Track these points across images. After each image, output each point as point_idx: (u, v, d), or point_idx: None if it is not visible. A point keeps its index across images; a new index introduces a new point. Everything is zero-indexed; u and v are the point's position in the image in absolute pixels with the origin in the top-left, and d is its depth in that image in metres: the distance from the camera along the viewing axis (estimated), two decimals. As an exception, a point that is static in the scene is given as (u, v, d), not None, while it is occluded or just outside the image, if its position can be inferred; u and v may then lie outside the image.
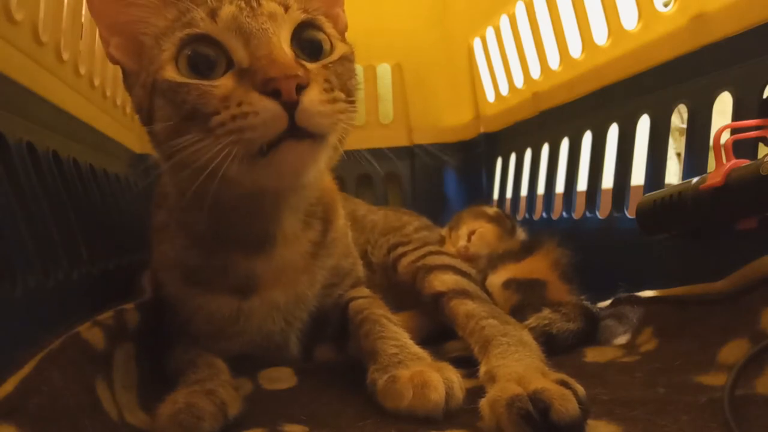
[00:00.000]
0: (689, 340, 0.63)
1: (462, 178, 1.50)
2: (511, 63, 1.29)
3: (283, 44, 0.54)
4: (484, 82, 1.43)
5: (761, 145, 0.69)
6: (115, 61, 0.59)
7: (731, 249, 0.69)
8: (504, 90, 1.34)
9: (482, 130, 1.45)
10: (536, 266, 0.87)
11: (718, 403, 0.48)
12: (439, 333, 0.87)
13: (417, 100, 1.49)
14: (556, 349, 0.72)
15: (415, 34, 1.48)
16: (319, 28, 0.58)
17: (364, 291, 0.78)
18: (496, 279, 0.86)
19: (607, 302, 0.80)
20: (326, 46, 0.58)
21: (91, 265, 0.76)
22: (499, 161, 1.39)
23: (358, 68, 1.41)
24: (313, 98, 0.50)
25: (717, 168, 0.67)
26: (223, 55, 0.53)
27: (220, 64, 0.53)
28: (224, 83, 0.52)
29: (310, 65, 0.54)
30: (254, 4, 0.55)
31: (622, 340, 0.73)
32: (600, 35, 0.99)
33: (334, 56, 0.58)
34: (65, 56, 0.79)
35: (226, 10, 0.54)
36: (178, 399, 0.52)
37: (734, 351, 0.57)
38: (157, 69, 0.54)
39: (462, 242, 1.06)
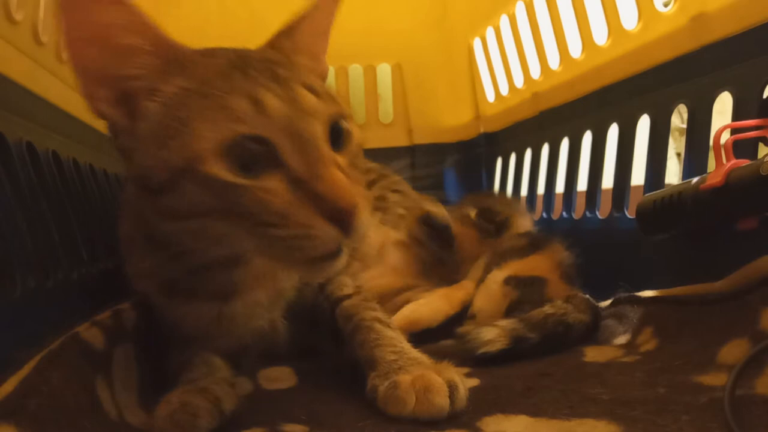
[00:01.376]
0: (689, 340, 0.63)
1: (462, 178, 1.50)
2: (511, 63, 1.29)
3: (328, 150, 0.51)
4: (484, 82, 1.43)
5: (761, 145, 0.68)
6: (104, 117, 0.52)
7: (731, 249, 0.69)
8: (504, 90, 1.34)
9: (482, 130, 1.45)
10: (539, 264, 0.87)
11: (719, 403, 0.48)
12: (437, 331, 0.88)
13: (417, 100, 1.49)
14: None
15: (415, 34, 1.48)
16: (343, 116, 0.55)
17: (347, 283, 0.75)
18: (499, 275, 0.87)
19: (607, 302, 0.80)
20: (345, 131, 0.55)
21: (91, 265, 0.76)
22: (499, 161, 1.39)
23: (358, 68, 1.41)
24: (365, 220, 0.49)
25: (717, 168, 0.67)
26: (269, 151, 0.49)
27: (265, 161, 0.49)
28: (277, 189, 0.48)
29: (340, 158, 0.52)
30: (293, 95, 0.50)
31: (622, 340, 0.73)
32: (600, 35, 0.99)
33: (355, 142, 0.55)
34: (65, 56, 0.79)
35: (274, 105, 0.49)
36: (172, 399, 0.52)
37: (734, 351, 0.57)
38: (195, 158, 0.47)
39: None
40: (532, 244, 0.92)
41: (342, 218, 0.48)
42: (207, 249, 0.53)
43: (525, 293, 0.82)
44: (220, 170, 0.47)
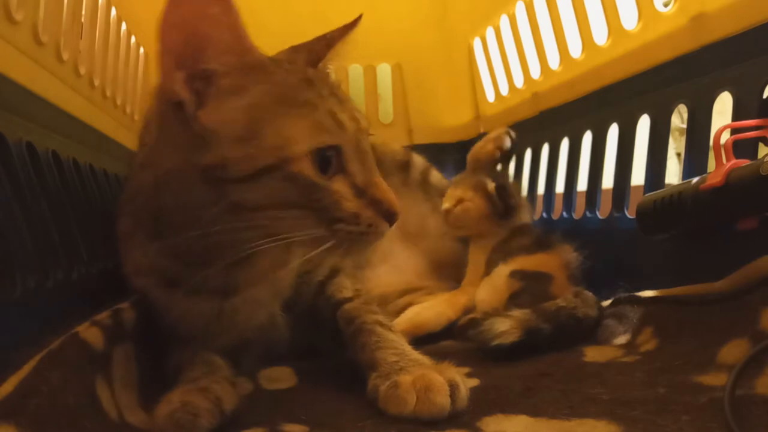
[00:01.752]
0: (689, 340, 0.63)
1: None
2: (511, 63, 1.29)
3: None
4: (484, 82, 1.43)
5: (761, 145, 0.68)
6: (176, 97, 0.54)
7: (731, 249, 0.69)
8: (504, 90, 1.34)
9: (482, 130, 1.45)
10: (546, 262, 0.87)
11: (718, 403, 0.48)
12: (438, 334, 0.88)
13: (417, 100, 1.49)
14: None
15: (415, 34, 1.48)
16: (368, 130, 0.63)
17: (347, 286, 0.75)
18: (505, 269, 0.88)
19: (607, 302, 0.80)
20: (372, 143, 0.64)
21: (91, 265, 0.76)
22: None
23: (358, 68, 1.42)
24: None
25: (717, 168, 0.67)
26: (338, 158, 0.57)
27: (335, 166, 0.57)
28: (344, 191, 0.56)
29: None
30: (354, 114, 0.59)
31: (622, 340, 0.73)
32: (600, 35, 0.99)
33: (378, 150, 0.67)
34: (65, 56, 0.79)
35: (346, 122, 0.57)
36: (172, 399, 0.52)
37: (734, 351, 0.57)
38: (287, 158, 0.53)
39: (447, 204, 1.01)
40: (540, 243, 0.92)
41: (391, 217, 0.58)
42: (251, 240, 0.55)
43: (528, 285, 0.82)
44: (309, 170, 0.54)
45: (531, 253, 0.89)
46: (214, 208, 0.54)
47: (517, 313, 0.73)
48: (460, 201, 1.00)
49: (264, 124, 0.54)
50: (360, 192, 0.57)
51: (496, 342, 0.70)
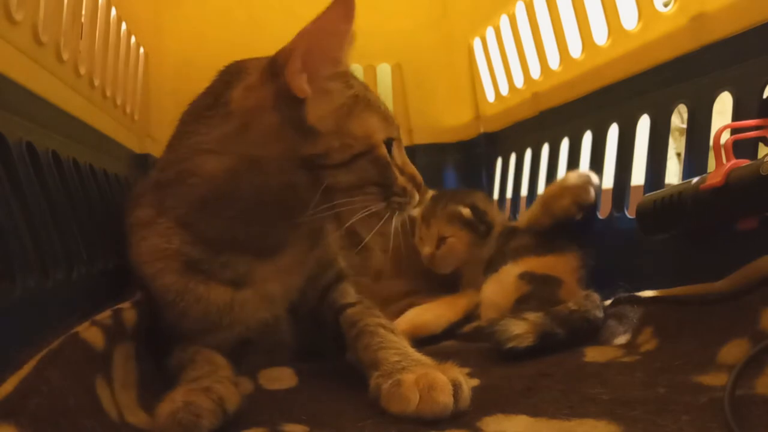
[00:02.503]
0: (689, 340, 0.63)
1: (462, 178, 1.50)
2: (511, 63, 1.29)
3: None
4: (484, 82, 1.43)
5: (761, 145, 0.69)
6: (304, 93, 0.62)
7: (731, 249, 0.69)
8: (504, 90, 1.34)
9: (482, 130, 1.45)
10: (557, 265, 0.86)
11: (719, 403, 0.48)
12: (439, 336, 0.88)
13: (417, 100, 1.49)
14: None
15: (415, 34, 1.48)
16: None
17: (351, 292, 0.78)
18: (514, 269, 0.86)
19: (607, 302, 0.80)
20: None
21: (91, 265, 0.76)
22: (499, 161, 1.39)
23: (358, 68, 1.43)
24: None
25: (717, 168, 0.67)
26: (389, 146, 0.69)
27: (391, 150, 0.69)
28: (397, 171, 0.69)
29: None
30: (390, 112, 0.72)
31: (622, 340, 0.73)
32: (600, 35, 0.99)
33: None
34: (65, 56, 0.79)
35: (395, 125, 0.71)
36: (175, 398, 0.52)
37: (734, 351, 0.57)
38: (374, 144, 0.66)
39: (428, 249, 0.98)
40: (549, 244, 0.90)
41: (420, 187, 0.72)
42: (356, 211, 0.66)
43: (537, 289, 0.81)
44: (385, 154, 0.67)
45: (541, 254, 0.88)
46: (311, 191, 0.63)
47: (532, 316, 0.73)
48: (441, 239, 0.98)
49: (351, 119, 0.65)
50: (401, 170, 0.69)
51: (511, 345, 0.70)
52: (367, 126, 0.66)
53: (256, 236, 0.68)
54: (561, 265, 0.86)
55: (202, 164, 0.65)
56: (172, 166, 0.68)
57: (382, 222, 0.67)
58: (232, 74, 0.68)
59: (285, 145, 0.62)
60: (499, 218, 1.04)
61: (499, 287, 0.86)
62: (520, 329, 0.71)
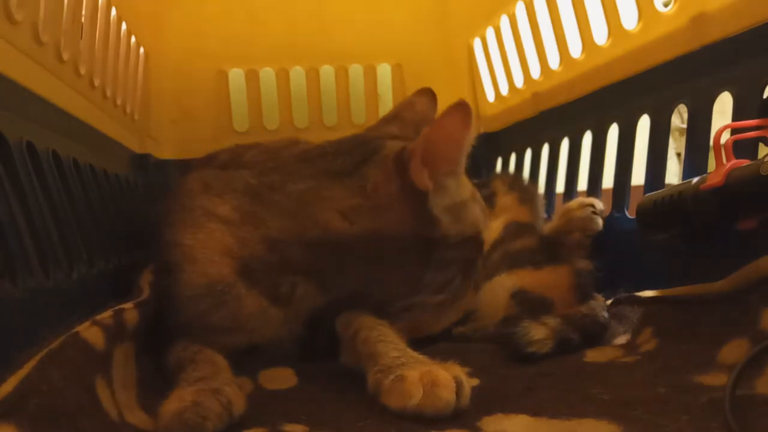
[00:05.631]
0: (689, 340, 0.63)
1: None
2: (511, 63, 1.29)
3: None
4: (484, 82, 1.43)
5: (761, 145, 0.68)
6: (426, 188, 0.69)
7: (731, 249, 0.69)
8: (504, 90, 1.34)
9: (482, 130, 1.45)
10: (555, 281, 0.83)
11: (719, 403, 0.48)
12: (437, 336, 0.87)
13: (417, 100, 1.49)
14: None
15: (415, 34, 1.48)
16: None
17: None
18: (508, 282, 0.84)
19: (608, 302, 0.80)
20: None
21: (91, 265, 0.76)
22: (499, 161, 1.39)
23: (358, 68, 1.43)
24: None
25: (717, 168, 0.67)
26: None
27: None
28: None
29: None
30: None
31: (622, 340, 0.73)
32: (600, 35, 0.99)
33: None
34: (65, 56, 0.79)
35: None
36: (184, 396, 0.52)
37: (734, 351, 0.56)
38: (478, 231, 0.76)
39: (495, 236, 0.93)
40: (547, 250, 0.88)
41: None
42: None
43: (524, 311, 0.78)
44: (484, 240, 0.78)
45: (539, 266, 0.85)
46: (423, 259, 0.71)
47: (552, 322, 0.72)
48: (510, 223, 0.97)
49: (464, 209, 0.73)
50: None
51: (531, 349, 0.69)
52: (473, 215, 0.75)
53: (333, 277, 0.72)
54: (560, 279, 0.83)
55: (330, 220, 0.70)
56: (288, 196, 0.72)
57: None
58: (370, 150, 0.74)
59: (409, 228, 0.70)
60: (516, 210, 0.99)
61: (492, 300, 0.84)
62: (541, 334, 0.70)
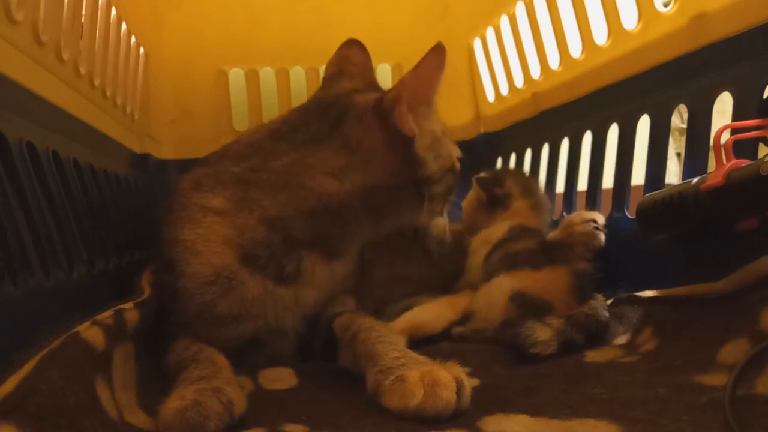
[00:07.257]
0: (689, 340, 0.63)
1: (462, 177, 1.50)
2: (511, 63, 1.29)
3: None
4: (484, 82, 1.43)
5: (761, 145, 0.69)
6: (412, 133, 0.73)
7: (731, 249, 0.69)
8: (504, 90, 1.34)
9: (482, 130, 1.45)
10: (553, 282, 0.81)
11: (719, 403, 0.48)
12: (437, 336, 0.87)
13: (417, 100, 1.49)
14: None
15: (415, 34, 1.48)
16: None
17: (349, 303, 0.79)
18: (507, 285, 0.82)
19: (608, 302, 0.80)
20: None
21: (91, 265, 0.76)
22: (499, 161, 1.39)
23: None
24: None
25: (717, 168, 0.67)
26: None
27: None
28: None
29: None
30: None
31: (622, 340, 0.73)
32: (600, 35, 0.99)
33: None
34: (65, 56, 0.79)
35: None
36: (186, 395, 0.52)
37: (734, 351, 0.57)
38: (454, 160, 0.81)
39: (500, 234, 0.94)
40: (548, 251, 0.87)
41: None
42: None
43: (523, 314, 0.78)
44: (459, 166, 0.82)
45: (537, 266, 0.83)
46: (418, 202, 0.76)
47: (556, 323, 0.72)
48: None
49: (440, 144, 0.77)
50: None
51: (535, 350, 0.69)
52: (447, 148, 0.79)
53: (339, 238, 0.75)
54: (558, 281, 0.81)
55: (323, 184, 0.72)
56: (274, 173, 0.73)
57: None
58: (340, 110, 0.75)
59: (400, 174, 0.73)
60: (527, 215, 0.97)
61: (490, 301, 0.83)
62: (545, 335, 0.70)
